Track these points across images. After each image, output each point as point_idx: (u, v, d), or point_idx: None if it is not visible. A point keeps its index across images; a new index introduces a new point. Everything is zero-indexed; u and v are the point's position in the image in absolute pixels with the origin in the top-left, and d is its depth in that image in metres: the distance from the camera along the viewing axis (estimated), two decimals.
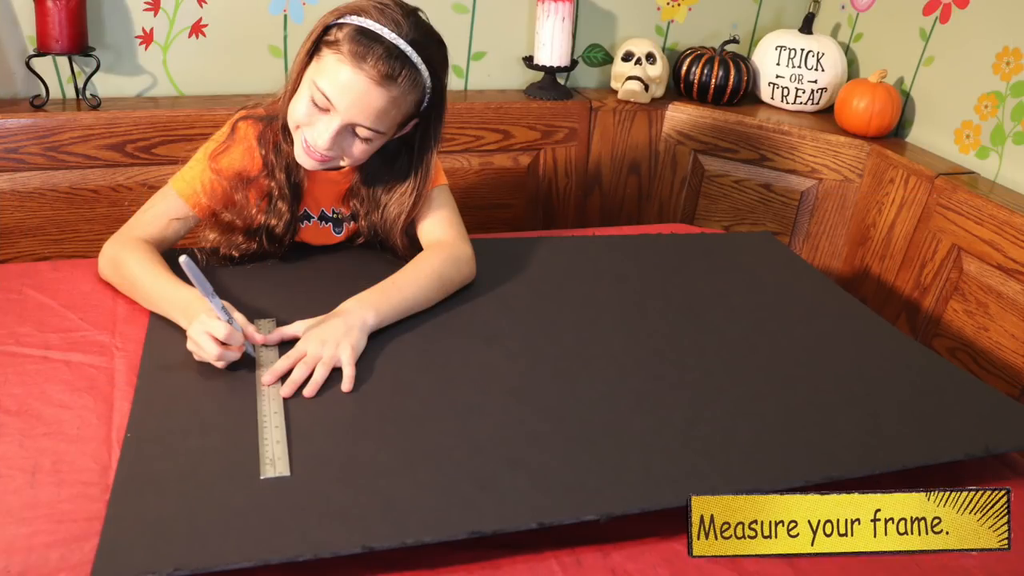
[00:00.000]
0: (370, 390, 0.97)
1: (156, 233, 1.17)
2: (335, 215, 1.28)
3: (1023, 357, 1.48)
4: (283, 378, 0.97)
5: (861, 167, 1.85)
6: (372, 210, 1.24)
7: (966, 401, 1.05)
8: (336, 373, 0.98)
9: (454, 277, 1.19)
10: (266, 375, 0.97)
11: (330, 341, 1.00)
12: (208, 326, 0.96)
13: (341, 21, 1.07)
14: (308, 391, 0.95)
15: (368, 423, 0.92)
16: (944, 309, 1.64)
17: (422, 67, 1.09)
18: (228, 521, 0.76)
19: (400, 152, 1.21)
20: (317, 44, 1.09)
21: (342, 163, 1.16)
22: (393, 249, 1.25)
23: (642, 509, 0.81)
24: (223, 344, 0.96)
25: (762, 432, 0.95)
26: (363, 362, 1.01)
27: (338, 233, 1.30)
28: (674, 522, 0.82)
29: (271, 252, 1.23)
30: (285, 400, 0.94)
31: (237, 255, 1.21)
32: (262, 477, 0.82)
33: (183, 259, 0.93)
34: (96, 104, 1.61)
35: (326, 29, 1.08)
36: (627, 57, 1.97)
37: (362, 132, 1.09)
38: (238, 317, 1.00)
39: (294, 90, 1.11)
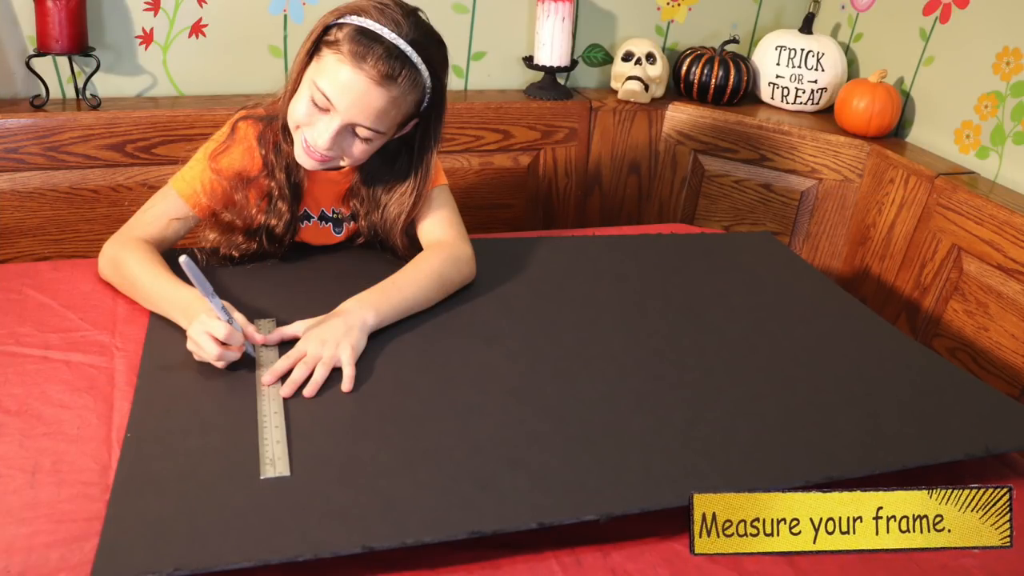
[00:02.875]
0: (370, 390, 0.97)
1: (156, 233, 1.17)
2: (335, 215, 1.28)
3: (1023, 357, 1.48)
4: (283, 378, 0.97)
5: (861, 167, 1.85)
6: (372, 210, 1.24)
7: (966, 401, 1.05)
8: (336, 373, 0.98)
9: (454, 277, 1.19)
10: (266, 375, 0.97)
11: (330, 341, 1.00)
12: (208, 326, 0.96)
13: (341, 21, 1.07)
14: (308, 391, 0.95)
15: (368, 423, 0.92)
16: (944, 309, 1.64)
17: (422, 67, 1.09)
18: (228, 521, 0.76)
19: (400, 152, 1.21)
20: (317, 44, 1.09)
21: (342, 163, 1.16)
22: (393, 249, 1.25)
23: (642, 509, 0.81)
24: (223, 344, 0.96)
25: (762, 432, 0.95)
26: (363, 362, 1.01)
27: (338, 233, 1.30)
28: (674, 522, 0.82)
29: (271, 252, 1.23)
30: (285, 400, 0.94)
31: (237, 255, 1.21)
32: (262, 477, 0.82)
33: (183, 259, 0.93)
34: (96, 104, 1.61)
35: (326, 29, 1.08)
36: (627, 57, 1.97)
37: (362, 132, 1.10)
38: (238, 317, 1.00)
39: (294, 90, 1.11)
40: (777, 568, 0.80)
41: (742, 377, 1.06)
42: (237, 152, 1.19)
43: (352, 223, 1.29)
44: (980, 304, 1.56)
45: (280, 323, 1.07)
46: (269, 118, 1.19)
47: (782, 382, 1.06)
